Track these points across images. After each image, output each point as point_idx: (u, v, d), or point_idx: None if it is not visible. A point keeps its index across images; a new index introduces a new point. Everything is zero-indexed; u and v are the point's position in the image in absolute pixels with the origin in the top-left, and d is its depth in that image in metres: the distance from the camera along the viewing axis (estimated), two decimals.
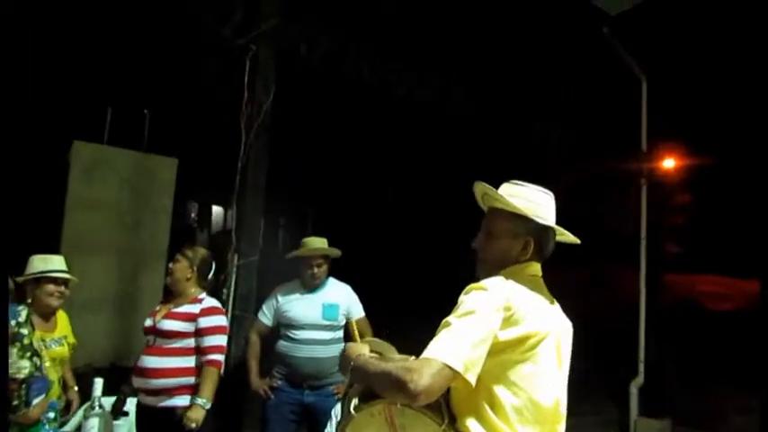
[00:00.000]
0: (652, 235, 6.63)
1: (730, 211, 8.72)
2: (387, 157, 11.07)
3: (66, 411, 3.05)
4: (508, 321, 1.48)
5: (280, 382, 3.51)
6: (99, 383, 2.68)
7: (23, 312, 2.65)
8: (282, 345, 3.53)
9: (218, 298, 3.42)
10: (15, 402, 2.50)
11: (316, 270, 3.53)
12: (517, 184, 1.70)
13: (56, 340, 3.00)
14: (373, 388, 1.51)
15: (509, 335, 1.48)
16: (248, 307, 3.92)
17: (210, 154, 7.18)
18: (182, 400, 2.89)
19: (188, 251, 3.13)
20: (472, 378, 1.39)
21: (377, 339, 1.78)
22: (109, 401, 2.80)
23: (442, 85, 5.51)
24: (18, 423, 2.57)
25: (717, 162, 7.23)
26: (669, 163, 6.87)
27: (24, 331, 2.60)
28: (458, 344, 1.39)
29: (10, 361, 2.48)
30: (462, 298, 1.51)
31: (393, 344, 1.76)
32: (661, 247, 7.03)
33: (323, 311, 3.50)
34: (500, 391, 1.49)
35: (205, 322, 2.96)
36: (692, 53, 6.43)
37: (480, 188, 1.73)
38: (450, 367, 1.36)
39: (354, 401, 1.56)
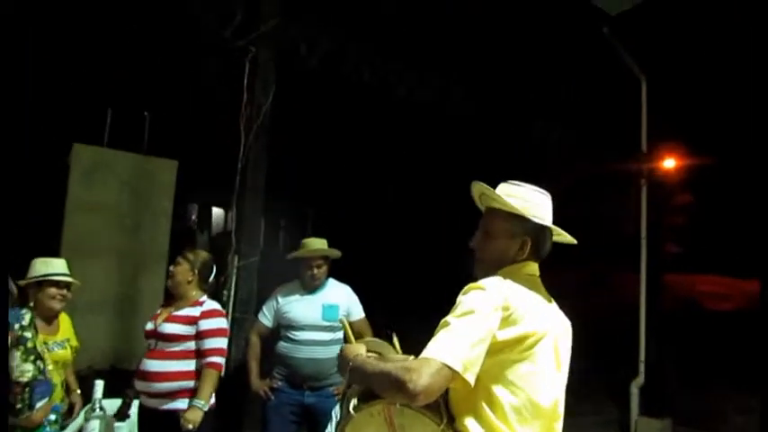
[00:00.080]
0: (652, 235, 6.63)
1: (730, 211, 8.72)
2: (387, 158, 11.08)
3: (69, 414, 3.05)
4: (506, 321, 1.48)
5: (280, 383, 3.50)
6: (100, 386, 2.69)
7: (27, 316, 2.66)
8: (282, 346, 3.53)
9: (219, 300, 3.43)
10: (19, 405, 2.51)
11: (315, 271, 3.52)
12: (514, 184, 1.70)
13: (58, 343, 3.00)
14: (372, 388, 1.51)
15: (507, 334, 1.48)
16: (249, 308, 3.92)
17: (210, 155, 7.18)
18: (183, 403, 2.88)
19: (189, 254, 3.12)
20: (471, 378, 1.40)
21: (375, 339, 1.78)
22: (109, 403, 2.81)
23: (442, 85, 5.50)
24: (21, 426, 2.58)
25: (717, 162, 7.23)
26: (669, 163, 6.87)
27: (28, 335, 2.61)
28: (456, 344, 1.40)
29: (14, 364, 2.49)
30: (461, 298, 1.51)
31: (400, 344, 1.76)
32: (661, 248, 7.03)
33: (323, 312, 3.50)
34: (498, 390, 1.49)
35: (205, 325, 2.96)
36: (692, 53, 6.44)
37: (478, 188, 1.74)
38: (449, 367, 1.36)
39: (353, 401, 1.56)
